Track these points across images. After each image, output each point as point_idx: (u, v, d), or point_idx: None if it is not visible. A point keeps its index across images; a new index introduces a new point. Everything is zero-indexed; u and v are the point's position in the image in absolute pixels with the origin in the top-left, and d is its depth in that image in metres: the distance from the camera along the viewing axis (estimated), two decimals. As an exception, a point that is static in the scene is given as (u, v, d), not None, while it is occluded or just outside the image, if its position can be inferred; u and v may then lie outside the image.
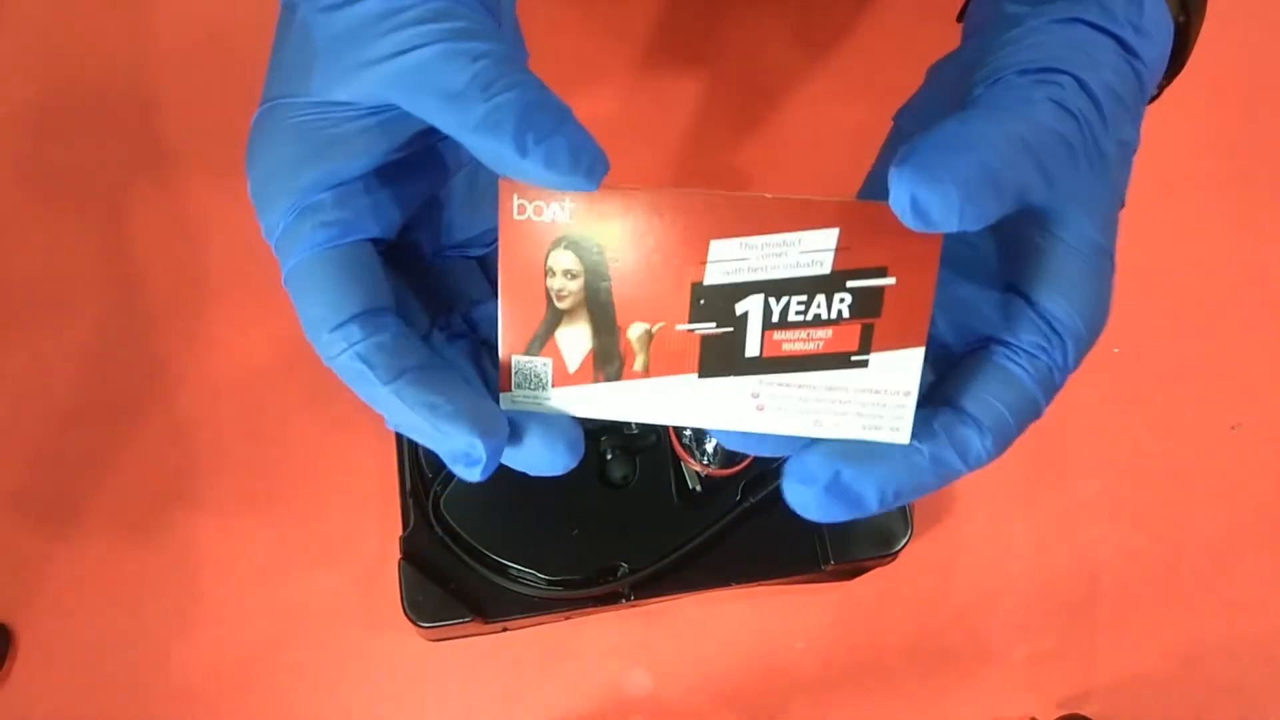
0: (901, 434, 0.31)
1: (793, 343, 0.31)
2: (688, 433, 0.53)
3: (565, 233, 0.30)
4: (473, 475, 0.31)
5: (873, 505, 0.31)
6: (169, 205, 0.63)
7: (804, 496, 0.31)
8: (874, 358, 0.31)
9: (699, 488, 0.54)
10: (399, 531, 0.53)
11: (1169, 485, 0.63)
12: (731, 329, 0.31)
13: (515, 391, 0.32)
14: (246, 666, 0.57)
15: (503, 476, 0.53)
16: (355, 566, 0.58)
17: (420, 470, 0.53)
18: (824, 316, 0.31)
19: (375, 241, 0.32)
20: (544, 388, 0.32)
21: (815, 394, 0.31)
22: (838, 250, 0.30)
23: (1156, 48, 0.33)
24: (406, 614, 0.51)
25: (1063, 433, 0.62)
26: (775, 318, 0.31)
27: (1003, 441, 0.32)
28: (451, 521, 0.52)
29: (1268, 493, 0.63)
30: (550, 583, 0.52)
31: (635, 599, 0.53)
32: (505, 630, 0.56)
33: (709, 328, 0.31)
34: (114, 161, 0.64)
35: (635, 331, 0.31)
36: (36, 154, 0.64)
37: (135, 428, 0.60)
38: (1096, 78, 0.31)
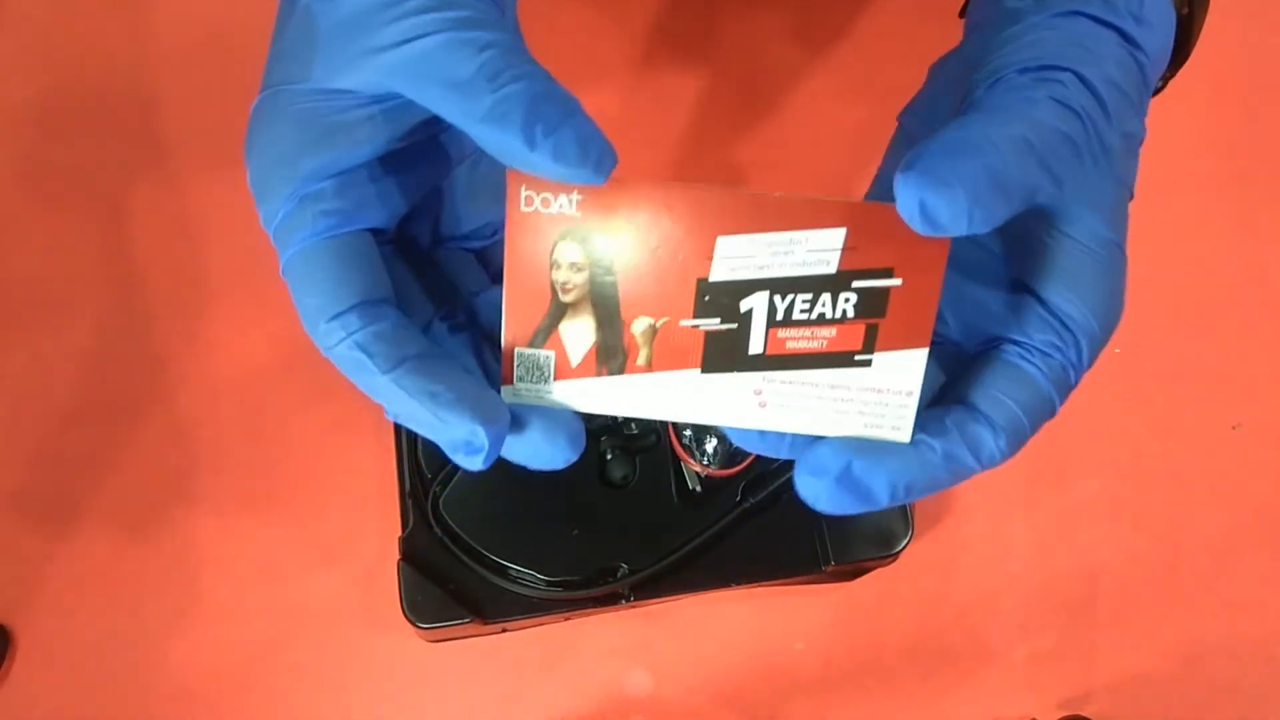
0: (903, 433, 0.31)
1: (797, 341, 0.31)
2: (688, 433, 0.53)
3: (572, 225, 0.30)
4: (474, 464, 0.31)
5: (883, 499, 0.31)
6: (169, 205, 0.63)
7: (814, 488, 0.31)
8: (878, 357, 0.31)
9: (699, 488, 0.54)
10: (398, 532, 0.53)
11: (1169, 485, 0.63)
12: (736, 325, 0.31)
13: (518, 384, 0.32)
14: (246, 666, 0.57)
15: (502, 476, 0.53)
16: (355, 567, 0.58)
17: (420, 471, 0.53)
18: (829, 315, 0.31)
19: (376, 232, 0.32)
20: (546, 380, 0.32)
21: (818, 392, 0.31)
22: (844, 250, 0.30)
23: (1159, 39, 0.33)
24: (406, 615, 0.51)
25: (1063, 433, 0.62)
26: (780, 315, 0.31)
27: (1016, 441, 0.32)
28: (451, 522, 0.52)
29: (1268, 493, 0.63)
30: (550, 583, 0.52)
31: (635, 600, 0.53)
32: (505, 631, 0.56)
33: (713, 324, 0.31)
34: (114, 161, 0.64)
35: (639, 326, 0.31)
36: (36, 154, 0.64)
37: (135, 428, 0.60)
38: (1098, 72, 0.30)
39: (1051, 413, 0.32)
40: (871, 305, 0.30)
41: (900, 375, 0.31)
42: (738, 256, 0.30)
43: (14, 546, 0.58)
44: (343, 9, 0.30)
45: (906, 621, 0.60)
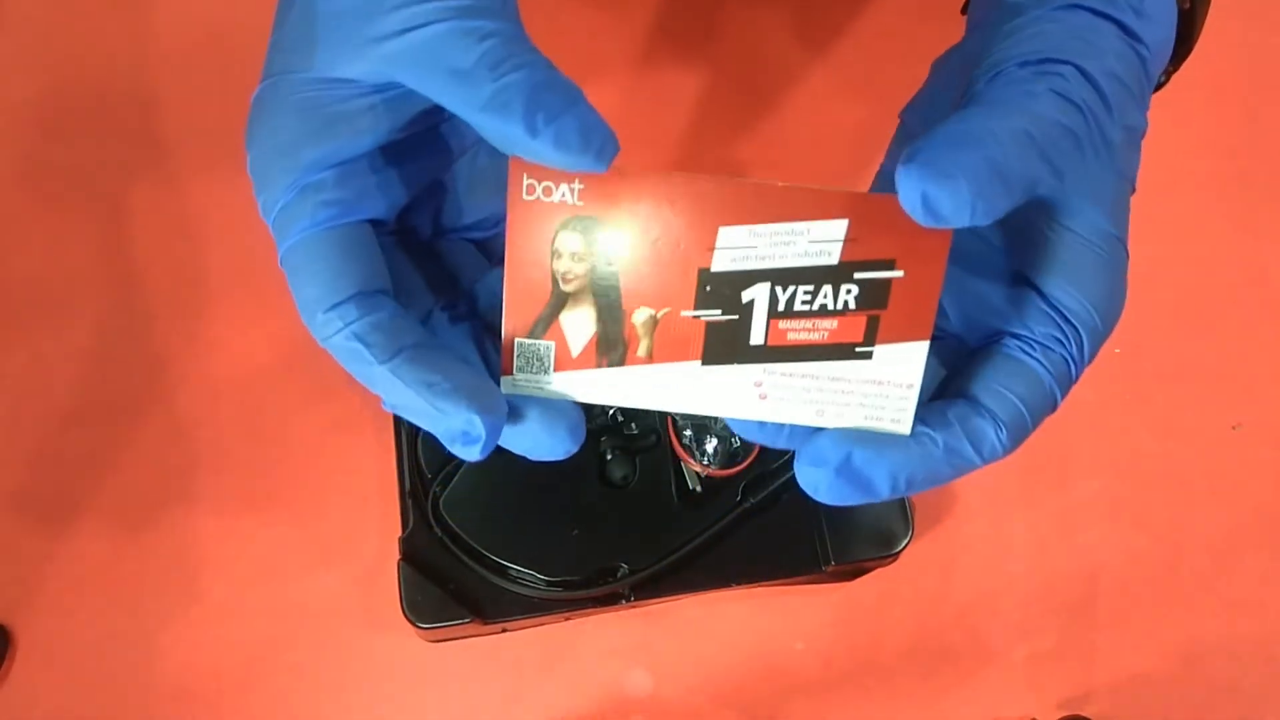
0: (903, 425, 0.31)
1: (798, 332, 0.31)
2: (688, 433, 0.53)
3: (573, 215, 0.30)
4: (472, 455, 0.30)
5: (883, 491, 0.31)
6: (169, 205, 0.63)
7: (815, 478, 0.31)
8: (878, 350, 0.31)
9: (699, 488, 0.54)
10: (398, 532, 0.52)
11: (1169, 485, 0.63)
12: (737, 317, 0.31)
13: (517, 375, 0.32)
14: (246, 666, 0.57)
15: (503, 476, 0.53)
16: (355, 566, 0.58)
17: (420, 471, 0.53)
18: (830, 307, 0.31)
19: (376, 223, 0.32)
20: (546, 371, 0.32)
21: (818, 384, 0.31)
22: (846, 241, 0.30)
23: (1161, 32, 0.33)
24: (406, 615, 0.51)
25: (1063, 433, 0.62)
26: (781, 307, 0.31)
27: (1018, 434, 0.32)
28: (451, 522, 0.52)
29: (1268, 493, 0.63)
30: (550, 583, 0.52)
31: (635, 600, 0.53)
32: (505, 631, 0.56)
33: (714, 315, 0.31)
34: (114, 161, 0.64)
35: (640, 317, 0.31)
36: (36, 154, 0.64)
37: (135, 428, 0.60)
38: (1099, 65, 0.31)
39: (1053, 407, 0.32)
40: (873, 297, 0.30)
41: (901, 367, 0.31)
42: (739, 247, 0.30)
43: (14, 546, 0.58)
44: None
45: (906, 621, 0.60)
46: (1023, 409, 0.32)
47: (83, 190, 0.63)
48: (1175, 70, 0.37)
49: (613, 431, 0.54)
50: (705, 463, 0.52)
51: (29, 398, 0.60)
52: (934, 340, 0.31)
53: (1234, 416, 0.64)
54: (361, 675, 0.57)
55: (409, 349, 0.30)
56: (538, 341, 0.32)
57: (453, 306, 0.35)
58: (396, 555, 0.52)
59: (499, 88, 0.28)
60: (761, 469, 0.54)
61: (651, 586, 0.53)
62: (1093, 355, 0.32)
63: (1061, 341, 0.32)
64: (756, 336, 0.31)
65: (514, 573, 0.52)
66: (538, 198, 0.30)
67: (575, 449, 0.32)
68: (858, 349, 0.31)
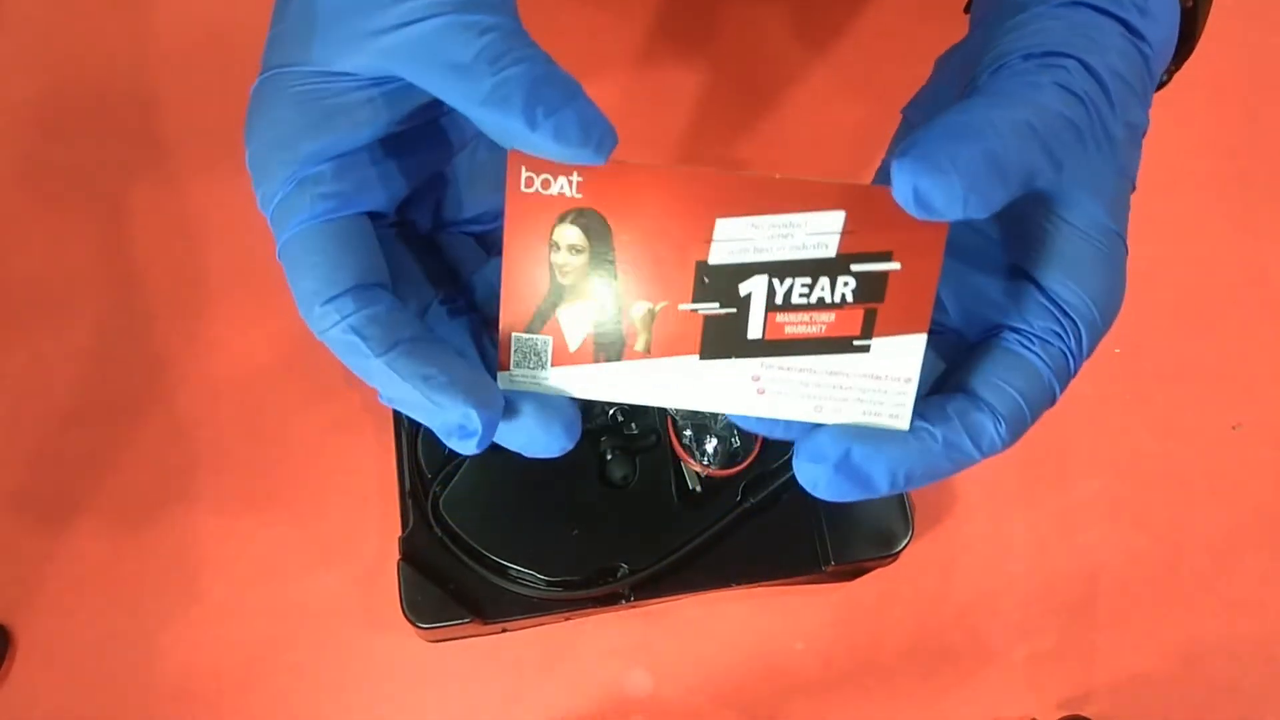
0: (901, 420, 0.31)
1: (795, 325, 0.31)
2: (688, 433, 0.53)
3: (572, 207, 0.30)
4: (468, 449, 0.31)
5: (883, 486, 0.31)
6: (169, 205, 0.63)
7: (813, 474, 0.31)
8: (876, 343, 0.31)
9: (699, 488, 0.54)
10: (398, 532, 0.52)
11: (1169, 485, 0.63)
12: (734, 310, 0.31)
13: (514, 370, 0.32)
14: (246, 666, 0.57)
15: (503, 476, 0.53)
16: (355, 566, 0.58)
17: (420, 471, 0.53)
18: (827, 300, 0.31)
19: (375, 216, 0.32)
20: (543, 366, 0.32)
21: (816, 378, 0.31)
22: (844, 233, 0.30)
23: (1163, 30, 0.33)
24: (406, 615, 0.51)
25: (1063, 433, 0.62)
26: (779, 299, 0.31)
27: (1017, 429, 0.32)
28: (451, 522, 0.52)
29: (1268, 493, 0.63)
30: (550, 583, 0.52)
31: (635, 600, 0.53)
32: (505, 631, 0.56)
33: (712, 308, 0.31)
34: (114, 161, 0.64)
35: (638, 311, 0.31)
36: (36, 154, 0.64)
37: (135, 428, 0.60)
38: (1102, 61, 0.30)
39: (1052, 401, 0.32)
40: (870, 289, 0.30)
41: (899, 361, 0.31)
42: (737, 239, 0.30)
43: (14, 546, 0.58)
44: None
45: (906, 621, 0.60)
46: (1021, 403, 0.32)
47: (83, 190, 0.63)
48: (1178, 69, 0.37)
49: (613, 431, 0.54)
50: (705, 463, 0.52)
51: (29, 398, 0.60)
52: (932, 334, 0.31)
53: (1234, 416, 0.64)
54: (361, 675, 0.57)
55: (406, 342, 0.30)
56: (535, 337, 0.32)
57: (451, 300, 0.35)
58: (396, 555, 0.52)
59: (498, 82, 0.28)
60: (761, 469, 0.54)
61: (651, 586, 0.53)
62: (1091, 349, 0.32)
63: (1060, 335, 0.32)
64: (754, 330, 0.31)
65: (514, 573, 0.52)
66: (536, 190, 0.30)
67: (570, 446, 0.32)
68: (855, 342, 0.31)
